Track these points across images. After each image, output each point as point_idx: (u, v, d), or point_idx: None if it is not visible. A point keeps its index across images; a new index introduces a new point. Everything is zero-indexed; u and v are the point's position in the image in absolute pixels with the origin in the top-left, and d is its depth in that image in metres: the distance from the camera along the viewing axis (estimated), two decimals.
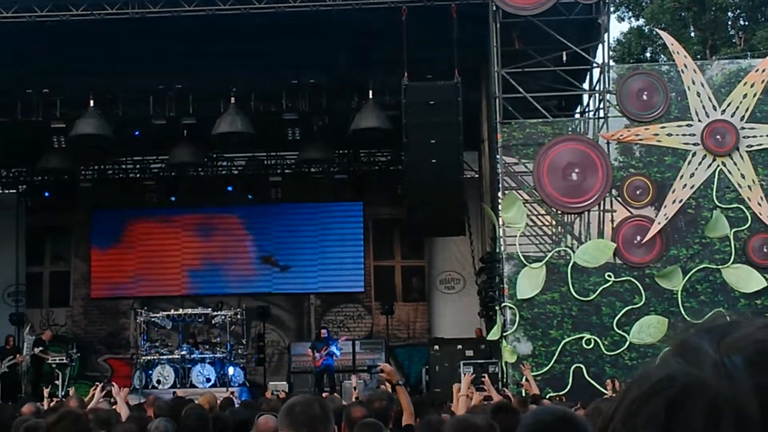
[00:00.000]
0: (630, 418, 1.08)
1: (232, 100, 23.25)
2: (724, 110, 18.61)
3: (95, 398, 9.28)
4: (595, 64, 19.54)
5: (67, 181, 28.59)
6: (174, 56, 21.92)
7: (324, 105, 24.02)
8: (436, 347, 21.98)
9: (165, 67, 22.62)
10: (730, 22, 36.67)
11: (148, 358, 23.26)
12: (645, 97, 18.73)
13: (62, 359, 24.18)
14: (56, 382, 22.69)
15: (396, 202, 25.93)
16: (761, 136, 18.59)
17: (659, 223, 18.39)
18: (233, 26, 19.89)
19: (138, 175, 29.73)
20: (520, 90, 18.58)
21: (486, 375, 12.95)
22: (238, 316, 24.69)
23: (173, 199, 29.09)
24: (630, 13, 36.98)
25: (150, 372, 22.91)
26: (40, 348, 23.73)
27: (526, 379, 14.68)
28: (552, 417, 3.30)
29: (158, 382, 22.59)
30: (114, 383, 9.79)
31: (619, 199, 18.59)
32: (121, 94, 23.89)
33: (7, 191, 30.12)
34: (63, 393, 21.38)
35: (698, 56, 28.87)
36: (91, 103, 23.19)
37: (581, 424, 3.28)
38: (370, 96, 22.66)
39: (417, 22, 18.60)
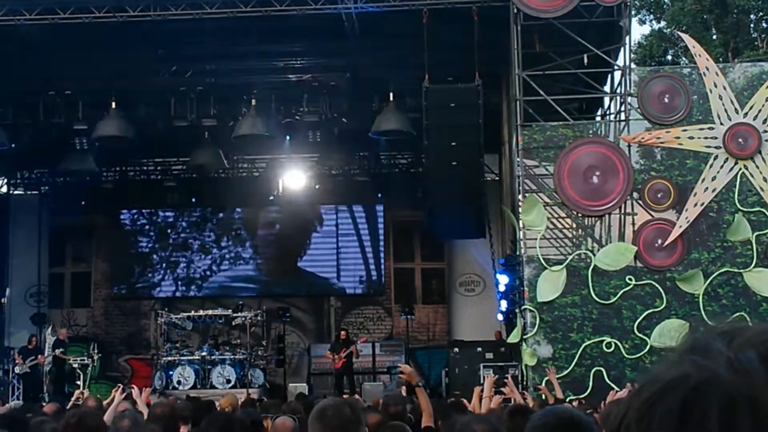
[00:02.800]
0: (644, 418, 1.08)
1: (253, 102, 23.31)
2: (746, 113, 18.51)
3: (116, 400, 9.32)
4: (616, 67, 19.46)
5: (89, 183, 28.73)
6: (195, 58, 22.01)
7: (345, 107, 24.04)
8: (456, 350, 21.95)
9: (186, 69, 22.70)
10: (752, 25, 36.48)
11: (169, 358, 23.34)
12: (666, 100, 18.65)
13: (83, 360, 24.30)
14: (77, 382, 22.80)
15: (416, 204, 25.94)
16: None
17: (680, 226, 18.30)
18: (254, 28, 19.94)
19: (159, 177, 29.85)
20: (541, 93, 18.53)
21: (509, 376, 12.93)
22: (259, 318, 24.74)
23: (194, 200, 29.19)
24: (651, 16, 36.86)
25: (170, 373, 22.98)
26: (61, 349, 23.84)
27: (548, 382, 14.64)
28: (558, 418, 3.29)
29: (179, 383, 22.66)
30: (134, 386, 9.80)
31: (640, 202, 18.50)
32: (143, 96, 23.99)
33: (29, 192, 30.31)
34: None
35: (720, 59, 28.75)
36: (113, 104, 23.31)
37: (587, 426, 3.28)
38: (391, 98, 22.67)
39: (438, 24, 18.60)
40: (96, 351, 25.45)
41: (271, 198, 29.17)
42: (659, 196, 18.47)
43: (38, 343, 24.91)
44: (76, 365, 23.79)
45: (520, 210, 18.56)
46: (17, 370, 23.42)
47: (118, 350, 29.42)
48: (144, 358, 28.46)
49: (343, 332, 24.59)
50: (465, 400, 10.67)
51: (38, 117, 23.96)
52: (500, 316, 24.08)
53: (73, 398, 12.36)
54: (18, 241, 29.21)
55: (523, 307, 18.32)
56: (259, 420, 7.86)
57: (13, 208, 29.67)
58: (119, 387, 9.81)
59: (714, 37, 34.99)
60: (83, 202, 28.69)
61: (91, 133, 23.83)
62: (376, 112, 23.15)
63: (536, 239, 18.36)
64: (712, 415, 1.03)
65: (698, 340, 1.12)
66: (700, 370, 1.08)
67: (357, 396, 18.10)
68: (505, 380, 11.73)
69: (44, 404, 9.72)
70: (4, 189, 30.07)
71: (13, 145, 24.18)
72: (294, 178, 28.64)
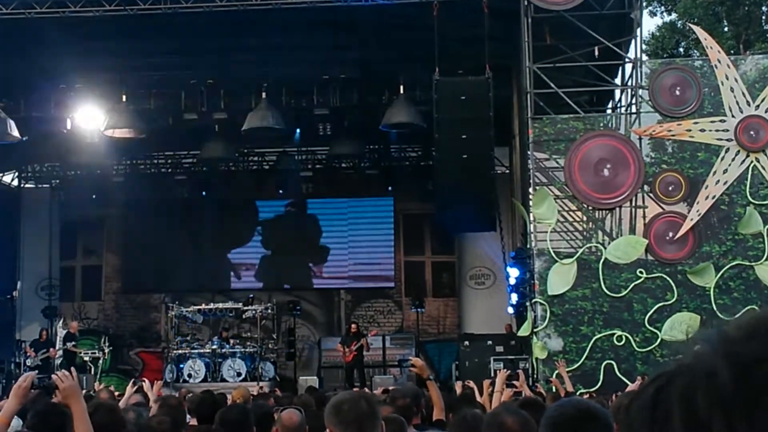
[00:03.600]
0: (626, 411, 1.10)
1: (263, 95, 23.31)
2: (758, 105, 18.44)
3: (126, 393, 9.33)
4: (627, 59, 19.41)
5: (99, 176, 28.77)
6: (205, 51, 22.01)
7: (355, 100, 24.03)
8: (466, 343, 21.93)
9: (196, 62, 22.70)
10: (764, 17, 36.33)
11: (180, 352, 23.38)
12: (678, 93, 18.59)
13: (94, 353, 24.36)
14: (89, 374, 22.90)
15: (426, 197, 25.91)
16: None
17: (692, 219, 18.25)
18: (265, 21, 19.92)
19: (169, 170, 29.87)
20: (552, 85, 18.49)
21: (520, 371, 12.92)
22: (269, 311, 24.75)
23: (204, 193, 29.20)
24: (663, 8, 36.73)
25: (181, 366, 23.03)
26: (72, 342, 23.90)
27: (559, 376, 14.61)
28: (575, 410, 3.27)
29: (189, 376, 22.71)
30: (145, 379, 9.81)
31: (651, 195, 18.46)
32: (153, 88, 24.00)
33: (40, 186, 30.37)
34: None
35: (732, 51, 28.63)
36: (124, 97, 23.34)
37: (604, 418, 3.25)
38: (401, 91, 22.65)
39: (448, 17, 18.56)
40: (107, 344, 25.53)
41: (281, 192, 29.16)
42: (670, 188, 18.41)
43: (49, 336, 24.98)
44: (87, 358, 23.86)
45: (530, 203, 18.53)
46: (29, 362, 23.49)
47: (129, 343, 29.48)
48: (155, 351, 28.52)
49: (353, 325, 24.59)
50: (477, 390, 10.68)
51: (49, 110, 23.99)
52: (510, 309, 24.07)
53: (91, 390, 12.39)
54: (29, 234, 29.32)
55: (533, 300, 18.29)
56: (270, 412, 7.85)
57: (24, 202, 29.76)
58: (133, 381, 9.84)
59: (725, 29, 34.87)
60: (94, 196, 28.74)
61: (101, 126, 23.83)
62: (387, 104, 23.14)
63: (547, 232, 18.33)
64: (674, 398, 1.04)
65: (698, 333, 1.13)
66: (677, 362, 1.09)
67: (367, 389, 18.09)
68: (517, 374, 11.71)
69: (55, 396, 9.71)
70: (16, 182, 30.13)
71: (24, 139, 24.22)
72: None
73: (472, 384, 11.74)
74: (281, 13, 19.40)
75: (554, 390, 13.22)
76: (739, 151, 18.35)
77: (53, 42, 20.31)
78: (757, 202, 18.29)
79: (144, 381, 9.68)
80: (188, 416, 7.76)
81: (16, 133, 23.52)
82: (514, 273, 22.44)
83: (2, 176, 29.76)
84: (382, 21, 20.01)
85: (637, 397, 1.10)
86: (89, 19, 19.34)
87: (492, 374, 15.64)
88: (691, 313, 17.88)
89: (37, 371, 22.09)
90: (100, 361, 24.76)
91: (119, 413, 6.35)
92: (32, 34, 20.12)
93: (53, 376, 5.24)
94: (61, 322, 26.00)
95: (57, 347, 24.05)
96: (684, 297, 17.99)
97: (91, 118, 23.92)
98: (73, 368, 5.56)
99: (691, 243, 18.25)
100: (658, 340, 17.75)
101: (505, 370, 10.38)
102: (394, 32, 20.58)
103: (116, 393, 11.59)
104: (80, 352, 23.91)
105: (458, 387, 13.52)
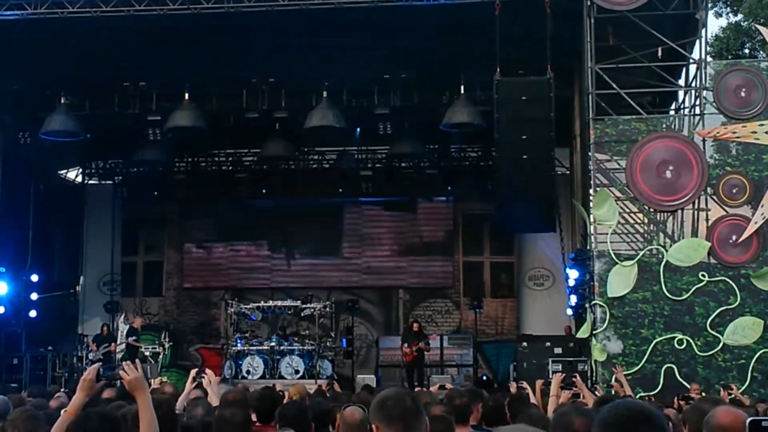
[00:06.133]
0: None
1: (324, 94, 23.40)
2: None
3: (186, 388, 9.42)
4: (691, 60, 19.19)
5: (161, 173, 29.08)
6: (267, 50, 22.13)
7: (415, 100, 24.02)
8: (525, 344, 21.83)
9: (258, 61, 22.84)
10: None
11: (238, 348, 23.55)
12: (743, 94, 18.35)
13: (155, 348, 24.63)
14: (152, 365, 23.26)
15: (486, 197, 25.82)
16: None
17: (756, 222, 18.00)
18: (326, 21, 19.99)
19: (230, 168, 30.09)
20: (614, 86, 18.35)
21: (577, 375, 12.84)
22: (327, 309, 24.83)
23: (264, 191, 29.38)
24: (728, 9, 36.23)
25: (240, 362, 23.19)
26: (134, 337, 24.19)
27: (617, 380, 14.49)
28: (630, 412, 3.24)
29: (248, 372, 22.86)
30: (206, 373, 9.82)
31: (715, 197, 18.23)
32: (215, 87, 24.20)
33: (103, 182, 30.75)
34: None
35: None
36: (186, 96, 23.56)
37: (658, 420, 3.22)
38: (462, 91, 22.61)
39: (510, 16, 18.48)
40: (167, 340, 25.79)
41: (341, 190, 29.22)
42: (734, 191, 18.18)
43: (110, 331, 25.32)
44: (147, 353, 24.15)
45: (591, 204, 18.40)
46: (91, 356, 23.85)
47: (189, 339, 29.75)
48: (214, 348, 28.76)
49: (415, 324, 24.56)
50: (530, 391, 10.65)
51: (113, 108, 24.29)
52: (569, 311, 23.91)
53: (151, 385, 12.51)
54: (92, 230, 29.74)
55: (593, 302, 18.17)
56: (328, 409, 7.89)
57: (87, 198, 30.17)
58: (194, 372, 9.87)
59: None
60: (156, 192, 29.06)
61: (164, 124, 24.10)
62: (447, 104, 23.11)
63: (607, 234, 18.19)
64: None
65: None
66: None
67: (424, 389, 18.08)
68: (573, 380, 11.64)
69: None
70: (80, 179, 30.55)
71: (88, 136, 24.55)
72: None
73: (525, 385, 11.70)
74: (342, 13, 19.45)
75: (614, 393, 13.12)
76: None
77: (117, 41, 20.56)
78: None
79: (204, 376, 9.72)
80: None
81: (80, 129, 23.90)
82: (573, 274, 22.29)
83: (66, 172, 30.20)
84: (443, 20, 19.98)
85: None
86: (153, 18, 19.54)
87: (549, 376, 15.56)
88: (755, 317, 17.65)
89: (100, 363, 22.43)
90: (160, 357, 25.04)
91: (172, 409, 6.46)
92: (96, 33, 20.36)
93: (120, 369, 5.34)
94: (122, 317, 26.31)
95: (118, 342, 24.35)
96: (747, 301, 17.75)
97: (154, 116, 24.19)
98: (138, 360, 5.65)
99: (754, 246, 18.00)
100: (720, 344, 17.54)
101: (560, 373, 10.32)
102: (455, 32, 20.53)
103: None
104: (142, 347, 24.19)
105: (512, 387, 13.48)
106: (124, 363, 5.49)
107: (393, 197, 29.32)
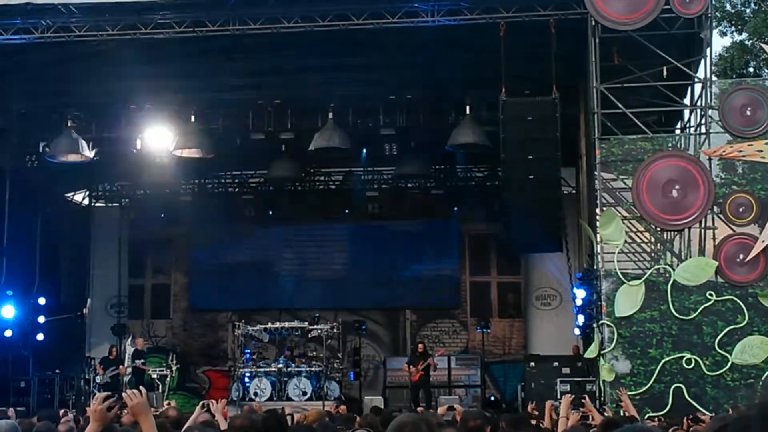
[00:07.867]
0: None
1: (330, 115, 23.45)
2: None
3: (195, 413, 9.43)
4: (696, 79, 19.20)
5: (167, 195, 29.12)
6: (273, 72, 22.20)
7: (421, 120, 24.06)
8: (532, 364, 21.79)
9: (264, 83, 22.91)
10: None
11: (246, 370, 23.51)
12: (749, 113, 18.34)
13: (162, 370, 24.60)
14: (157, 392, 23.13)
15: (492, 217, 25.84)
16: None
17: (763, 241, 17.96)
18: (331, 42, 20.05)
19: (237, 189, 30.14)
20: (619, 105, 18.36)
21: (586, 396, 12.79)
22: (335, 330, 24.80)
23: (271, 213, 29.41)
24: (732, 28, 36.29)
25: (247, 384, 23.15)
26: (141, 360, 24.17)
27: (621, 401, 14.44)
28: None
29: (255, 394, 22.83)
30: (212, 400, 9.96)
31: (721, 216, 18.20)
32: (221, 108, 24.27)
33: (110, 205, 30.80)
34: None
35: None
36: (192, 117, 23.63)
37: None
38: (468, 111, 22.65)
39: (515, 37, 18.52)
40: (174, 362, 25.76)
41: (347, 212, 29.24)
42: (741, 210, 18.15)
43: (119, 354, 25.29)
44: (155, 376, 24.09)
45: (597, 224, 18.38)
46: (98, 380, 23.79)
47: (196, 361, 29.73)
48: (221, 370, 28.73)
49: (420, 345, 24.54)
50: (537, 412, 10.62)
51: (120, 130, 24.35)
52: (577, 331, 23.86)
53: (159, 408, 12.49)
54: (99, 252, 29.77)
55: (600, 322, 18.11)
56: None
57: (94, 220, 30.21)
58: (202, 403, 9.95)
59: None
60: (162, 215, 29.10)
61: (170, 146, 24.13)
62: (453, 125, 23.15)
63: (614, 253, 18.15)
64: None
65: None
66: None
67: (432, 410, 18.02)
68: (582, 400, 11.60)
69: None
70: (86, 201, 30.60)
71: (95, 158, 24.61)
72: None
73: (533, 409, 11.71)
74: (347, 34, 19.50)
75: (623, 414, 13.06)
76: None
77: (124, 63, 20.63)
78: None
79: (212, 402, 9.78)
80: None
81: (87, 152, 23.96)
82: (580, 294, 22.26)
83: (73, 195, 30.24)
84: (448, 41, 20.03)
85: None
86: (160, 41, 19.61)
87: (558, 396, 15.51)
88: (763, 336, 17.58)
89: (107, 390, 22.42)
90: (168, 379, 24.99)
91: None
92: (104, 56, 20.46)
93: (123, 394, 5.35)
94: (129, 339, 26.30)
95: (126, 364, 24.32)
96: (755, 320, 17.69)
97: (160, 139, 24.24)
98: (142, 387, 5.66)
99: (762, 265, 17.95)
100: (729, 363, 17.47)
101: (569, 395, 10.28)
102: (461, 52, 20.59)
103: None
104: (149, 370, 24.15)
105: (530, 408, 13.43)
106: (128, 390, 5.49)
107: (399, 219, 29.31)
